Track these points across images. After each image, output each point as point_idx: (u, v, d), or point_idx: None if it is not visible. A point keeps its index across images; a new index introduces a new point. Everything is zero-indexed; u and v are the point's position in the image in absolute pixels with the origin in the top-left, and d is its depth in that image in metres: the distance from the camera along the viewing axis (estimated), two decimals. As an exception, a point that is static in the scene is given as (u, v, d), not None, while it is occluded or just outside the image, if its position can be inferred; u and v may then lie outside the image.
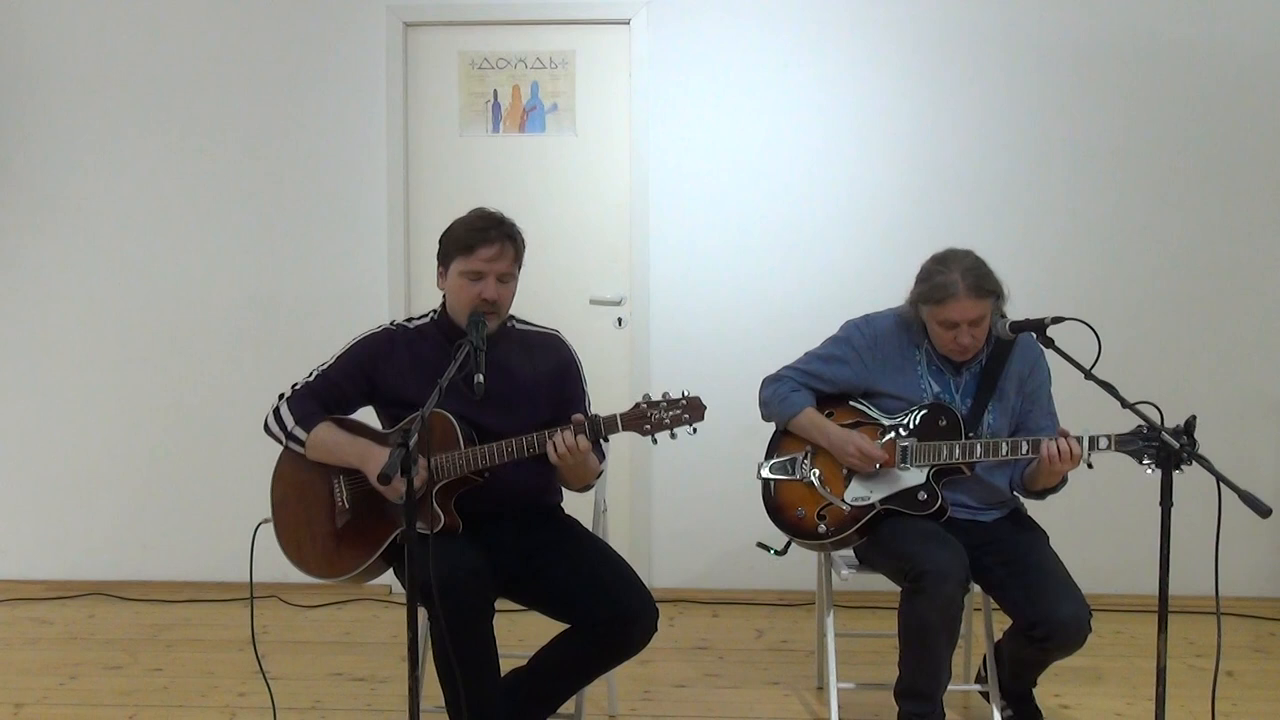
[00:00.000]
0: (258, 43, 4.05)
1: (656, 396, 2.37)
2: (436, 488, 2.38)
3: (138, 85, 4.08)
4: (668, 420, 2.34)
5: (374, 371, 2.53)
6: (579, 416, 2.36)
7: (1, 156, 4.12)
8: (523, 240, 2.53)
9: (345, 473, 2.47)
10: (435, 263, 2.55)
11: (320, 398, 2.52)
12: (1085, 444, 2.44)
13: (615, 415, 2.36)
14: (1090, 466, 2.47)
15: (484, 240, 2.44)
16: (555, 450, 2.33)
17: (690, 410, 2.35)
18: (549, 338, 2.66)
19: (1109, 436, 2.41)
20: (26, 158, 4.12)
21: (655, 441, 2.37)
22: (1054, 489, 2.66)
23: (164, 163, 4.10)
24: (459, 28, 4.07)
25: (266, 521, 2.50)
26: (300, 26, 4.04)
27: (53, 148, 4.11)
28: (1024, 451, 2.52)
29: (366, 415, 2.57)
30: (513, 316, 2.63)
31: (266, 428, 2.53)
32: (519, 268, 2.53)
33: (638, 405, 2.35)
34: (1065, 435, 2.47)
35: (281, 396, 2.53)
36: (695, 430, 2.36)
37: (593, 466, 2.51)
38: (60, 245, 4.14)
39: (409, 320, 2.62)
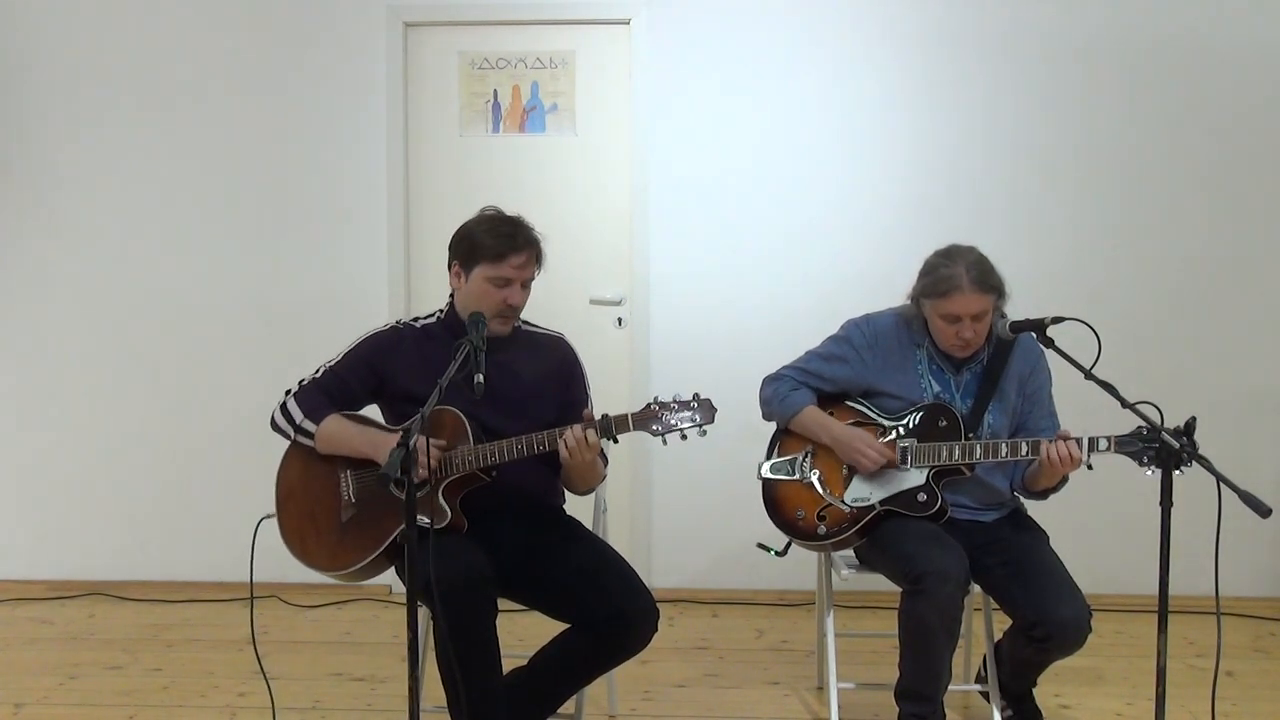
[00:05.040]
0: (257, 43, 4.05)
1: (667, 398, 2.37)
2: (444, 484, 2.39)
3: (137, 85, 4.08)
4: (677, 421, 2.35)
5: (382, 368, 2.53)
6: (590, 412, 2.38)
7: (1, 159, 4.12)
8: (540, 245, 2.54)
9: (353, 467, 2.47)
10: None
11: (327, 393, 2.52)
12: (1085, 446, 2.44)
13: (626, 414, 2.36)
14: (1090, 468, 2.47)
15: (514, 248, 2.45)
16: (566, 446, 2.34)
17: (701, 412, 2.36)
18: (554, 340, 2.68)
19: (1109, 438, 2.40)
20: (24, 159, 4.12)
21: (665, 442, 2.38)
22: (1054, 489, 2.65)
23: (163, 163, 4.09)
24: (459, 28, 4.07)
25: (270, 517, 2.50)
26: (300, 26, 4.04)
27: (50, 148, 4.11)
28: (1024, 453, 2.52)
29: (372, 413, 2.57)
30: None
31: (274, 424, 2.53)
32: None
33: (649, 406, 2.36)
34: (1066, 437, 2.46)
35: (288, 392, 2.54)
36: (705, 432, 2.37)
37: (598, 470, 2.53)
38: (60, 246, 4.13)
39: (415, 320, 2.62)
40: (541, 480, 2.56)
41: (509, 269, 2.45)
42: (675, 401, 2.36)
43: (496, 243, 2.46)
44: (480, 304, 2.48)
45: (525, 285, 2.50)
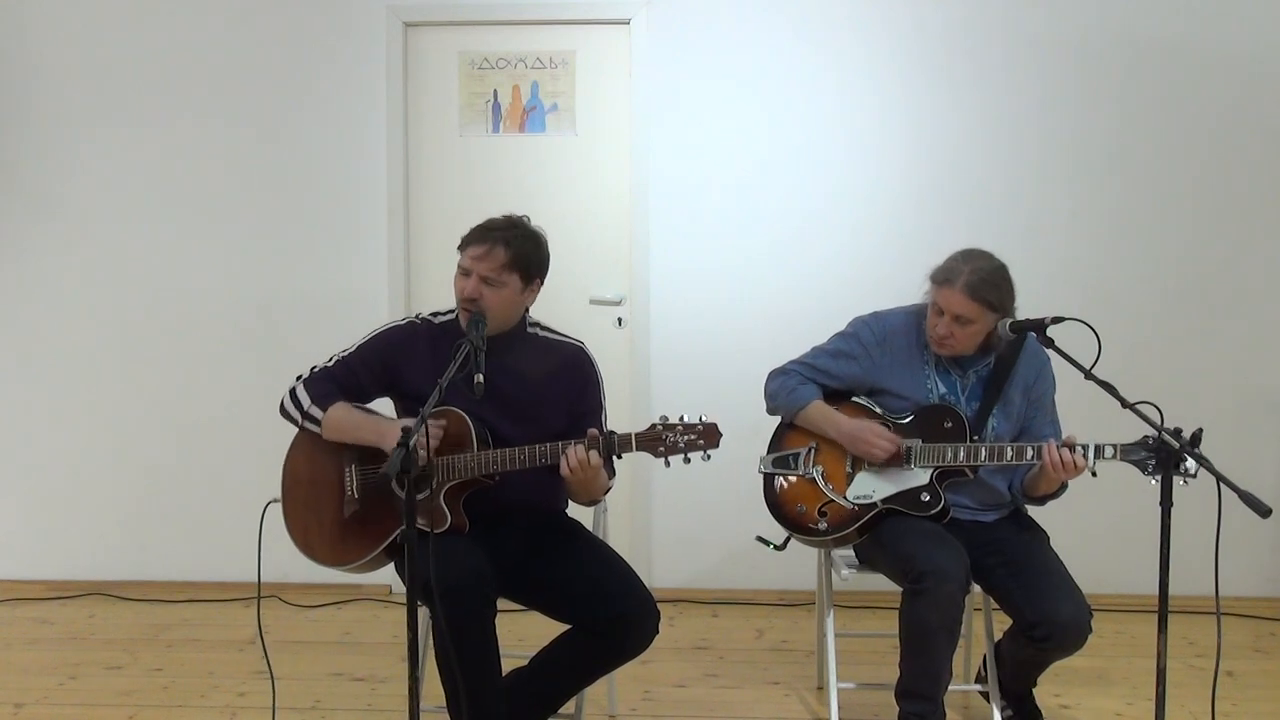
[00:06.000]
0: (258, 43, 4.05)
1: (673, 418, 2.34)
2: (446, 487, 2.38)
3: (137, 85, 4.08)
4: (682, 445, 2.32)
5: (393, 364, 2.52)
6: (594, 431, 2.34)
7: (1, 158, 4.12)
8: (525, 249, 2.45)
9: (358, 462, 2.47)
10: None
11: (338, 383, 2.51)
12: (1090, 453, 2.43)
13: (630, 434, 2.34)
14: (1095, 475, 2.46)
15: (476, 239, 2.44)
16: (567, 464, 2.32)
17: (706, 436, 2.33)
18: (571, 348, 2.62)
19: (1114, 446, 2.40)
20: (26, 160, 4.12)
21: (668, 464, 2.35)
22: (1054, 495, 2.64)
23: (163, 164, 4.09)
24: (459, 28, 4.07)
25: (275, 501, 2.50)
26: (300, 26, 4.04)
27: (52, 149, 4.11)
28: (1029, 457, 2.52)
29: (383, 407, 2.57)
30: (536, 323, 2.62)
31: (282, 409, 2.52)
32: (519, 276, 2.44)
33: (654, 426, 2.34)
34: (1071, 445, 2.45)
35: (299, 378, 2.53)
36: (709, 456, 2.33)
37: (602, 483, 2.48)
38: (60, 246, 4.13)
39: (435, 315, 2.60)
40: (544, 484, 2.53)
41: (466, 259, 2.43)
42: (681, 424, 2.33)
43: (468, 232, 2.47)
44: (454, 295, 2.49)
45: (488, 282, 2.41)
